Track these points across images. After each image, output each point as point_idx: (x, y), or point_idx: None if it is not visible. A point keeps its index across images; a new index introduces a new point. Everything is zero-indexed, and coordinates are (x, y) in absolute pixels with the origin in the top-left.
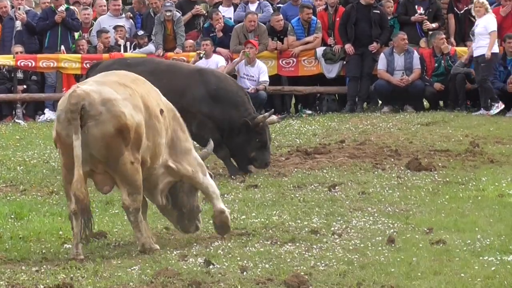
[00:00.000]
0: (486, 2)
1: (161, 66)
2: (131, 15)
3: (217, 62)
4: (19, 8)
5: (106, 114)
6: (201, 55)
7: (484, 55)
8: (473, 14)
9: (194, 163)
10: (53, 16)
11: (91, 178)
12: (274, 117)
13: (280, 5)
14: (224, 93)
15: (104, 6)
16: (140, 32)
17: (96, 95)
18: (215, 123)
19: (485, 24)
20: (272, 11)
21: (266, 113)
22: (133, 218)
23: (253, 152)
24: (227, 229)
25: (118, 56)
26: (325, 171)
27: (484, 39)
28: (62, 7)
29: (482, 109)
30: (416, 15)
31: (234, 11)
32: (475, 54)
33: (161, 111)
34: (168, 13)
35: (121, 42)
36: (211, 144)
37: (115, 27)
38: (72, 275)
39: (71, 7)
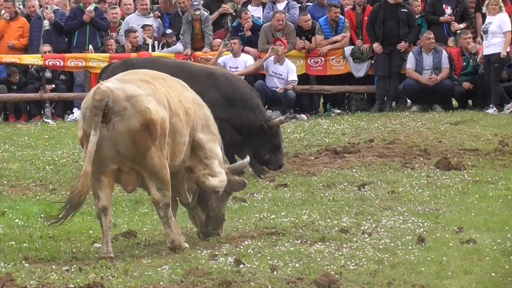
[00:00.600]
0: (500, 0)
1: (170, 67)
2: (159, 14)
3: (245, 61)
4: (46, 7)
5: (131, 109)
6: (225, 42)
7: (497, 54)
8: (484, 11)
9: (215, 151)
10: (81, 15)
11: (118, 180)
12: (282, 118)
13: (309, 3)
14: (239, 96)
15: (130, 5)
16: (169, 31)
17: (120, 92)
18: (233, 127)
19: (500, 23)
20: (299, 11)
21: (282, 117)
22: (163, 214)
23: (267, 154)
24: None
25: (146, 55)
26: (354, 170)
27: (497, 37)
28: (91, 7)
29: (491, 107)
30: (445, 15)
31: (263, 10)
32: (486, 52)
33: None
34: (197, 12)
35: (149, 41)
36: (247, 158)
37: (143, 26)
38: (102, 274)
39: (100, 6)
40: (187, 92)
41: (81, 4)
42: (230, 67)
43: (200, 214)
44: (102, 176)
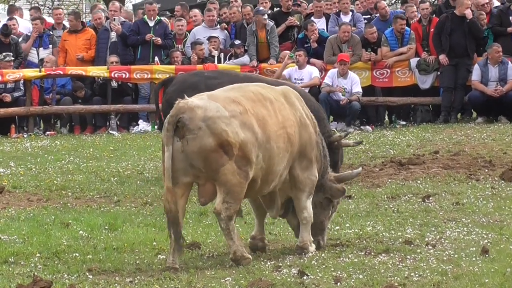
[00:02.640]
0: None
1: (239, 80)
2: (226, 25)
3: (310, 72)
4: (114, 19)
5: (206, 130)
6: (291, 54)
7: None
8: None
9: (307, 180)
10: (145, 28)
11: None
12: (349, 142)
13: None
14: (310, 109)
15: (195, 16)
16: (237, 42)
17: (200, 110)
18: None
19: None
20: (364, 23)
21: (342, 133)
22: (224, 225)
23: None
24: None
25: (212, 67)
26: (419, 181)
27: None
28: (152, 23)
29: None
30: None
31: (326, 21)
32: None
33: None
34: (265, 16)
35: (215, 53)
36: (360, 168)
37: (209, 38)
38: (166, 286)
39: (164, 19)
40: (296, 112)
41: (145, 17)
42: (295, 78)
43: (293, 220)
44: (175, 187)
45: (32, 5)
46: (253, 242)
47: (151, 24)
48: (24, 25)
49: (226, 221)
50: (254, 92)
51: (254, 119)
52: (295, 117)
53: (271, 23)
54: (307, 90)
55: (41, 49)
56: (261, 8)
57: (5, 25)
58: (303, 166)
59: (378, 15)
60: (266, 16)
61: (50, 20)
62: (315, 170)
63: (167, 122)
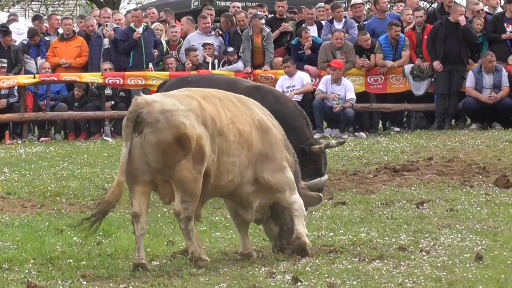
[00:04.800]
0: None
1: (219, 83)
2: (220, 32)
3: (302, 79)
4: (106, 25)
5: (164, 123)
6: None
7: None
8: None
9: (283, 181)
10: (132, 35)
11: (156, 191)
12: (332, 142)
13: (365, 22)
14: (282, 115)
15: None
16: (230, 49)
17: (156, 104)
18: None
19: None
20: (357, 30)
21: (322, 145)
22: (183, 226)
23: (307, 179)
24: (304, 253)
25: (206, 73)
26: (413, 188)
27: None
28: (140, 29)
29: None
30: (507, 33)
31: (318, 29)
32: None
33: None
34: (262, 21)
35: (209, 59)
36: (325, 176)
37: (204, 45)
38: None
39: (150, 25)
40: (252, 114)
41: (131, 25)
42: (287, 87)
43: (274, 229)
44: (134, 185)
45: (34, 14)
46: (242, 259)
47: (140, 31)
48: (18, 32)
49: (185, 222)
50: (203, 91)
51: (207, 113)
52: (251, 118)
53: (267, 29)
54: (300, 97)
55: (39, 58)
56: (259, 12)
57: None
58: (273, 168)
59: (376, 14)
60: (263, 21)
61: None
62: (288, 172)
63: (126, 119)
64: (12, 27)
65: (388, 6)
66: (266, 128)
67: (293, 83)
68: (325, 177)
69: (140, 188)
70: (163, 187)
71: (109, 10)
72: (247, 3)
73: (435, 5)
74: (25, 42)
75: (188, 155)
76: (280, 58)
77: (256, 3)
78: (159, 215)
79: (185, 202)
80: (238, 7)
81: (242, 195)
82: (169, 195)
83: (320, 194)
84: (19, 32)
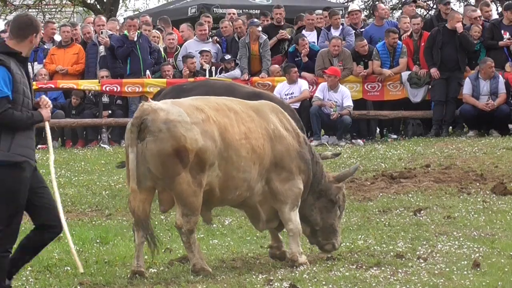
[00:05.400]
0: None
1: (216, 89)
2: (218, 39)
3: (300, 86)
4: (101, 32)
5: (166, 133)
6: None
7: None
8: None
9: (288, 193)
10: (129, 42)
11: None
12: (327, 153)
13: (362, 29)
14: None
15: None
16: (227, 57)
17: (162, 113)
18: None
19: None
20: (354, 37)
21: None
22: (185, 239)
23: None
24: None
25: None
26: (410, 195)
27: None
28: (134, 35)
29: None
30: (504, 40)
31: (317, 35)
32: None
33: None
34: (259, 28)
35: (206, 66)
36: (357, 164)
37: (201, 52)
38: None
39: (144, 32)
40: (267, 125)
41: (125, 32)
42: (285, 94)
43: (305, 230)
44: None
45: None
46: (271, 251)
47: (135, 38)
48: None
49: (187, 235)
50: (218, 102)
51: (215, 127)
52: (266, 130)
53: (264, 37)
54: (298, 104)
55: (35, 63)
56: (255, 20)
57: None
58: (283, 178)
59: (373, 21)
60: (260, 28)
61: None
62: (298, 182)
63: (131, 124)
64: None
65: (389, 12)
66: (280, 137)
67: (291, 90)
68: (357, 164)
69: (142, 195)
70: (162, 194)
71: (103, 18)
72: (244, 10)
73: (432, 12)
74: None
75: (186, 168)
76: (277, 66)
77: (256, 11)
78: (156, 222)
79: (187, 216)
80: (234, 13)
81: (250, 205)
82: (166, 203)
83: (341, 184)
84: None
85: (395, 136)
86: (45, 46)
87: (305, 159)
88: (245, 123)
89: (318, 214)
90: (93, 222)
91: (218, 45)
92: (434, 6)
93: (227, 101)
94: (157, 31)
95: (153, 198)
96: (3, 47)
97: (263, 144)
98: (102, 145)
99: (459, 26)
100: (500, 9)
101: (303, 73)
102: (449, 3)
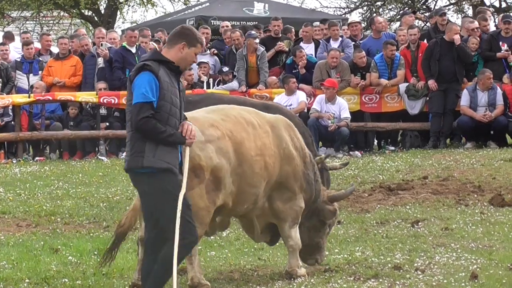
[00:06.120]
0: None
1: (225, 103)
2: (216, 51)
3: (298, 97)
4: (101, 44)
5: None
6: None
7: None
8: None
9: (289, 211)
10: (128, 54)
11: None
12: (336, 164)
13: (361, 41)
14: None
15: None
16: (225, 69)
17: None
18: None
19: None
20: (353, 49)
21: (323, 155)
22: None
23: None
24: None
25: (201, 92)
26: (408, 207)
27: None
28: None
29: None
30: (502, 51)
31: (315, 47)
32: None
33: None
34: (257, 40)
35: (204, 78)
36: (353, 185)
37: (199, 64)
38: None
39: (142, 44)
40: (280, 143)
41: (124, 43)
42: (284, 105)
43: (306, 241)
44: None
45: (22, 30)
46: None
47: (133, 50)
48: (14, 51)
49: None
50: (236, 115)
51: (230, 144)
52: (278, 148)
53: (262, 48)
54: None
55: (31, 75)
56: (253, 32)
57: None
58: (285, 197)
59: (371, 34)
60: (257, 40)
61: (37, 45)
62: (299, 201)
63: None
64: (11, 46)
65: (387, 25)
66: (289, 157)
67: (290, 101)
68: (353, 186)
69: None
70: None
71: (103, 30)
72: (241, 22)
73: (429, 24)
74: (18, 59)
75: (202, 183)
76: (275, 77)
77: (251, 23)
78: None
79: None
80: (227, 26)
81: (248, 217)
82: None
83: (336, 207)
84: (19, 51)
85: (392, 148)
86: (40, 59)
87: (308, 180)
88: (261, 139)
89: (306, 232)
90: (91, 234)
91: (216, 57)
92: (430, 16)
93: (245, 113)
94: (153, 43)
95: None
96: (155, 55)
97: (274, 163)
98: (99, 157)
99: (457, 38)
100: (497, 20)
101: (301, 85)
102: (444, 13)
